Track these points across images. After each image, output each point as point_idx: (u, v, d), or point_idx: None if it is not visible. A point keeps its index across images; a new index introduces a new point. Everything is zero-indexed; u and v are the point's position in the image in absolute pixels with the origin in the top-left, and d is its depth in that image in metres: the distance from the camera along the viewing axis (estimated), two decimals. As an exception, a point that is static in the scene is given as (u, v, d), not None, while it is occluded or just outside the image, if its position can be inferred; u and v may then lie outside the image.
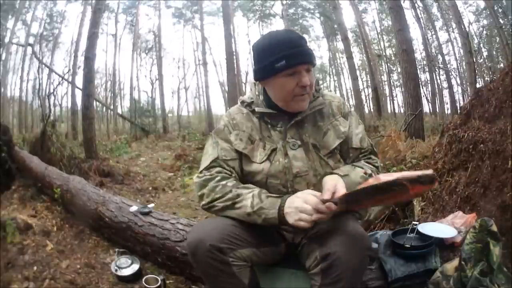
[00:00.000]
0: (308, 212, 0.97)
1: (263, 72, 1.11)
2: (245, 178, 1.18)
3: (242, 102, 1.25)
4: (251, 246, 1.08)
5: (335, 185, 1.02)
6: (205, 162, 1.18)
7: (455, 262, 1.22)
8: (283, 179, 1.13)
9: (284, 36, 1.10)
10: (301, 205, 0.98)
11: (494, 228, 1.18)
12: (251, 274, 1.08)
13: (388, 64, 16.53)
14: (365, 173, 1.12)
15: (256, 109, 1.18)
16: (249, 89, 1.27)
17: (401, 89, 10.39)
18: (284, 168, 1.13)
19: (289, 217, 1.00)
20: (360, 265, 0.99)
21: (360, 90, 13.57)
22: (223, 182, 1.11)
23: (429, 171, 0.86)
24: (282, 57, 1.06)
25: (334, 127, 1.19)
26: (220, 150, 1.17)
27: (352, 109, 1.28)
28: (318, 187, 1.11)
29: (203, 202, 1.12)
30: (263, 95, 1.20)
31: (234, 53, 11.40)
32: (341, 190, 1.00)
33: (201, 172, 1.17)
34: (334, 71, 20.36)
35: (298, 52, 1.07)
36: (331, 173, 1.11)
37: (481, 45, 12.92)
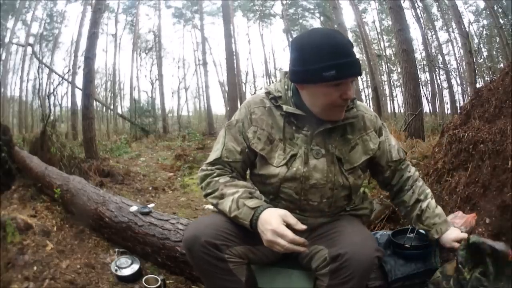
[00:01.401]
0: (286, 239, 0.93)
1: (306, 76, 1.00)
2: (259, 177, 1.15)
3: (268, 93, 1.14)
4: (247, 243, 1.08)
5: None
6: (210, 156, 1.17)
7: (455, 263, 1.22)
8: (298, 187, 1.09)
9: (336, 41, 0.98)
10: (280, 230, 0.94)
11: (489, 250, 1.14)
12: (248, 272, 1.08)
13: (388, 64, 16.55)
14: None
15: (284, 107, 1.09)
16: (278, 80, 1.18)
17: (401, 89, 10.39)
18: (301, 176, 1.08)
19: (263, 235, 0.97)
20: (370, 266, 0.99)
21: (360, 90, 13.58)
22: (216, 178, 1.12)
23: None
24: (332, 66, 0.95)
25: (363, 142, 1.14)
26: (224, 150, 1.14)
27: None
28: (330, 200, 1.11)
29: (203, 194, 1.15)
30: (292, 92, 1.11)
31: (234, 53, 11.41)
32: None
33: (205, 165, 1.17)
34: (334, 71, 20.34)
35: (349, 63, 0.98)
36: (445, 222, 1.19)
37: (481, 45, 12.93)
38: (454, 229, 1.20)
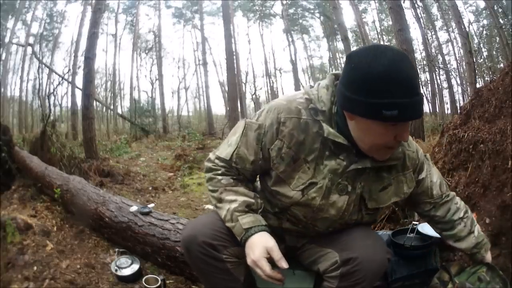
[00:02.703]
0: (264, 273, 0.92)
1: (362, 109, 0.83)
2: (269, 189, 1.04)
3: (309, 100, 0.96)
4: None
5: None
6: (221, 150, 1.06)
7: (454, 267, 1.23)
8: (308, 214, 1.02)
9: (406, 74, 0.81)
10: (259, 263, 0.92)
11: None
12: (246, 271, 1.07)
13: (388, 64, 16.51)
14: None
15: (325, 128, 0.92)
16: (322, 85, 0.98)
17: (401, 89, 10.35)
18: (315, 208, 0.99)
19: (251, 253, 0.94)
20: (381, 269, 0.98)
21: (360, 90, 13.54)
22: (219, 177, 1.05)
23: None
24: (396, 105, 0.80)
25: (398, 183, 1.03)
26: (235, 154, 1.02)
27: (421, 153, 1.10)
28: (337, 228, 1.07)
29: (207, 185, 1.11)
30: (337, 108, 0.94)
31: (234, 53, 11.40)
32: None
33: (213, 155, 1.09)
34: (334, 71, 20.33)
35: (414, 103, 0.82)
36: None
37: (481, 45, 12.93)
38: None
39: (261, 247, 0.93)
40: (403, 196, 1.04)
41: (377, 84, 0.80)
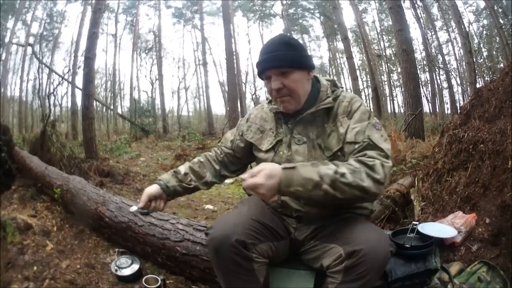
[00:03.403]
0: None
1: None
2: (256, 162, 1.33)
3: (267, 98, 1.38)
4: (268, 240, 1.12)
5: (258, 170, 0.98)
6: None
7: (454, 267, 1.23)
8: None
9: (267, 42, 1.19)
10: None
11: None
12: (266, 273, 1.10)
13: (388, 64, 16.55)
14: (336, 171, 0.98)
15: (271, 106, 1.28)
16: None
17: (401, 89, 10.39)
18: (286, 160, 1.19)
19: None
20: (384, 261, 1.00)
21: (360, 90, 13.58)
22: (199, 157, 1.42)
23: None
24: (258, 64, 1.18)
25: (337, 128, 1.16)
26: (224, 138, 1.43)
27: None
28: None
29: None
30: None
31: (234, 53, 11.41)
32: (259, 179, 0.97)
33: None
34: (334, 71, 20.37)
35: (267, 58, 1.14)
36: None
37: (481, 45, 12.94)
38: None
39: (149, 192, 1.30)
40: (342, 137, 1.14)
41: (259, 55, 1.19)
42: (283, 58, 1.13)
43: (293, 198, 1.15)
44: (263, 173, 0.98)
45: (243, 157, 1.38)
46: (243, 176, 1.00)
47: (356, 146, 1.09)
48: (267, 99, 1.37)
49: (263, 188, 0.97)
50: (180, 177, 1.33)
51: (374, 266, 0.96)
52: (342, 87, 1.27)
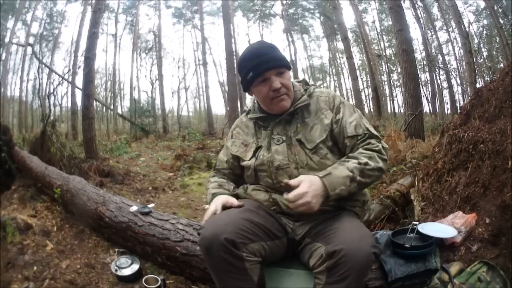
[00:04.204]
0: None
1: (243, 85, 1.27)
2: (245, 173, 1.35)
3: (244, 111, 1.43)
4: (260, 240, 1.12)
5: (299, 182, 1.06)
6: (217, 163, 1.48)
7: (454, 267, 1.23)
8: (268, 171, 1.25)
9: (251, 49, 1.24)
10: (208, 212, 1.20)
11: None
12: (260, 272, 1.10)
13: (388, 64, 16.56)
14: (359, 163, 1.12)
15: (249, 115, 1.35)
16: (249, 98, 1.41)
17: (401, 89, 10.40)
18: (267, 161, 1.24)
19: (212, 204, 1.23)
20: (366, 263, 0.98)
21: (360, 90, 13.58)
22: (211, 179, 1.44)
23: None
24: (250, 69, 1.20)
25: (320, 121, 1.24)
26: (218, 160, 1.46)
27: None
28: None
29: None
30: (257, 103, 1.34)
31: (234, 53, 11.39)
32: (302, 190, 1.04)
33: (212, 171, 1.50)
34: (334, 71, 20.38)
35: (263, 60, 1.18)
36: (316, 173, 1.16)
37: (481, 45, 12.95)
38: None
39: (220, 199, 1.24)
40: (328, 128, 1.23)
41: (240, 64, 1.25)
42: (279, 58, 1.21)
43: (337, 198, 1.13)
44: (308, 192, 1.03)
45: (242, 171, 1.42)
46: (288, 197, 1.04)
47: (359, 137, 1.22)
48: (244, 111, 1.43)
49: (313, 203, 1.04)
50: (227, 187, 1.38)
51: (354, 267, 0.94)
52: (314, 84, 1.36)
